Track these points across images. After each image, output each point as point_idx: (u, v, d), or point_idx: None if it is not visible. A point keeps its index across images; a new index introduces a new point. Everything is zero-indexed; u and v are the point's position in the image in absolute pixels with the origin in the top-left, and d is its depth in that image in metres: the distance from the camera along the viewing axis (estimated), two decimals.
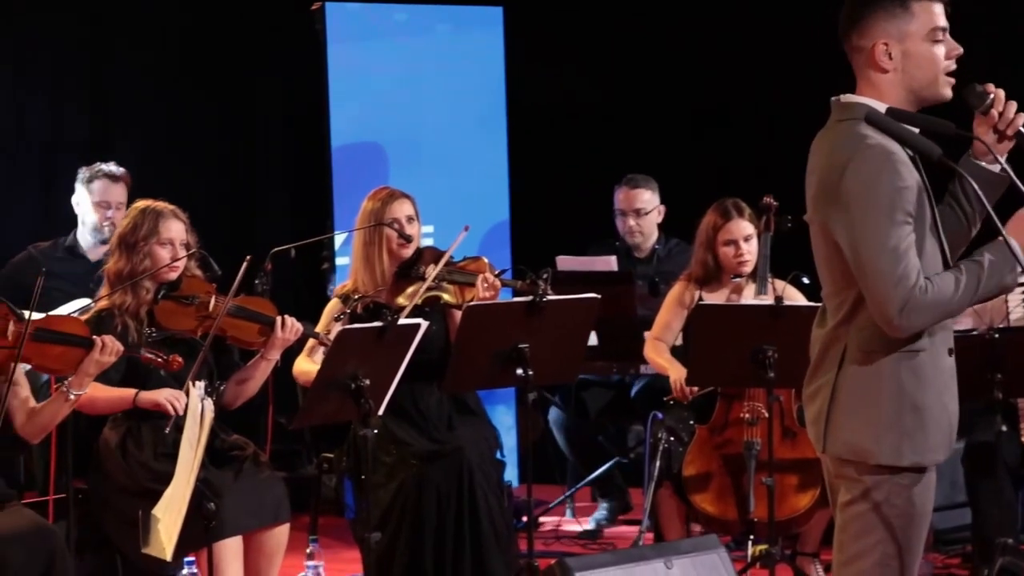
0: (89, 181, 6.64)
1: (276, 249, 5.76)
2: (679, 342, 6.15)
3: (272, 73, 8.69)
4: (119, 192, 6.62)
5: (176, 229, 5.27)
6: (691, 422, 5.85)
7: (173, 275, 5.25)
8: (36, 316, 4.67)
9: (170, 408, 5.01)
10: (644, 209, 7.26)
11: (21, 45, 8.11)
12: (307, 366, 5.49)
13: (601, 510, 7.27)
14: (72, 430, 5.32)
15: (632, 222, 7.26)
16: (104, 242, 6.61)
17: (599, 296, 5.45)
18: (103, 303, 5.23)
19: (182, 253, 5.25)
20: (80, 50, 8.34)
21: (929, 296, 3.25)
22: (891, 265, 3.23)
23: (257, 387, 5.40)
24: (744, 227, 6.01)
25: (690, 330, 5.83)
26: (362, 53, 7.88)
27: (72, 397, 4.75)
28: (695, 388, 5.86)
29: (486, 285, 5.49)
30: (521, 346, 5.19)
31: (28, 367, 4.83)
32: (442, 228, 7.07)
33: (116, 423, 5.19)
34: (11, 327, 4.63)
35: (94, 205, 6.62)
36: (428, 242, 6.11)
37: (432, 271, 5.54)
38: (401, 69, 7.90)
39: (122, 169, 6.69)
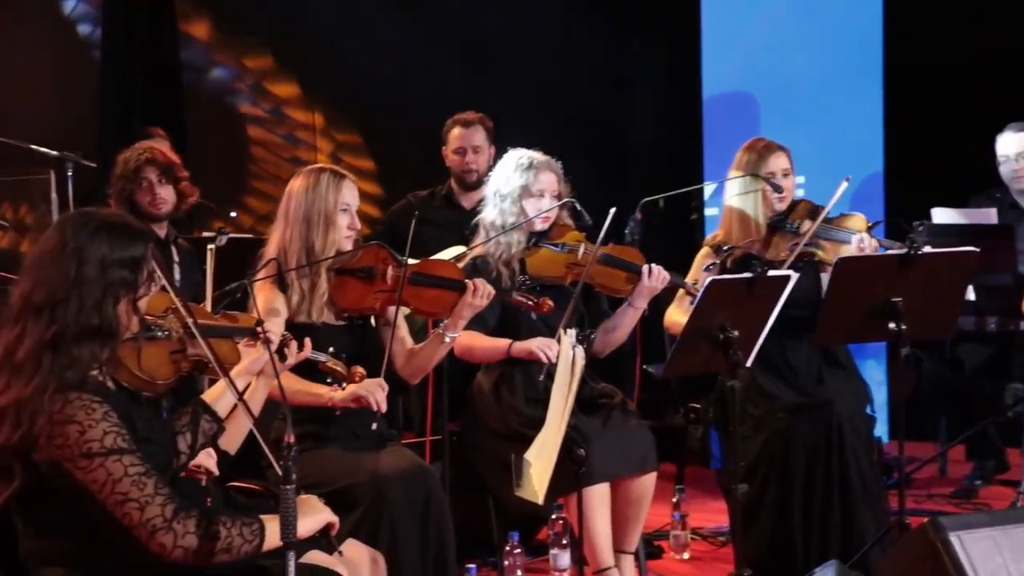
0: (447, 131, 6.83)
1: (646, 199, 5.78)
2: None
3: (647, 24, 8.71)
4: (475, 136, 6.78)
5: (548, 180, 5.34)
6: None
7: (544, 225, 5.34)
8: (412, 261, 4.83)
9: (543, 356, 5.09)
10: None
11: (405, 3, 8.41)
12: (677, 316, 5.50)
13: (975, 469, 7.06)
14: (447, 374, 5.49)
15: (1018, 165, 6.95)
16: (469, 188, 6.78)
17: (977, 250, 5.27)
18: (478, 250, 5.35)
19: (553, 203, 5.33)
20: (458, 3, 8.57)
21: None
22: None
23: (625, 336, 5.44)
24: None
25: None
26: (737, 3, 7.82)
27: (447, 339, 4.86)
28: None
29: (862, 245, 5.38)
30: (894, 300, 5.06)
31: (407, 311, 4.99)
32: (813, 179, 6.97)
33: (489, 368, 5.32)
34: (390, 271, 4.81)
35: (452, 152, 6.81)
36: (799, 193, 6.02)
37: (807, 227, 5.46)
38: (776, 19, 7.80)
39: (477, 114, 6.84)
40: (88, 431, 3.21)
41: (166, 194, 5.97)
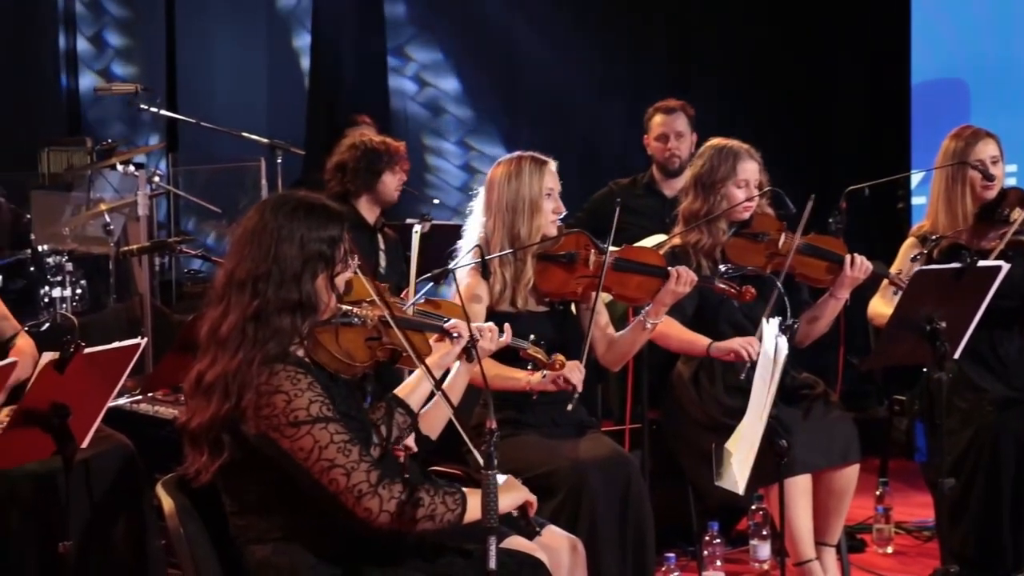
0: (649, 118, 6.81)
1: (851, 188, 5.70)
2: None
3: (855, 9, 8.57)
4: (677, 122, 6.75)
5: (751, 169, 5.30)
6: None
7: (746, 214, 5.29)
8: (614, 248, 4.84)
9: (745, 355, 5.04)
10: None
11: None
12: (881, 307, 5.41)
13: None
14: (647, 362, 5.48)
15: None
16: (671, 175, 6.75)
17: None
18: (676, 240, 5.33)
19: (755, 192, 5.28)
20: None
21: None
22: None
23: (827, 326, 5.37)
24: None
25: None
26: None
27: (648, 326, 4.86)
28: None
29: None
30: None
31: (609, 297, 4.99)
32: None
33: (689, 357, 5.30)
34: (592, 257, 4.82)
35: (654, 139, 6.79)
36: (1011, 182, 5.87)
37: (1018, 215, 5.32)
38: (990, 3, 7.61)
39: (679, 101, 6.81)
40: (294, 400, 3.30)
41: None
